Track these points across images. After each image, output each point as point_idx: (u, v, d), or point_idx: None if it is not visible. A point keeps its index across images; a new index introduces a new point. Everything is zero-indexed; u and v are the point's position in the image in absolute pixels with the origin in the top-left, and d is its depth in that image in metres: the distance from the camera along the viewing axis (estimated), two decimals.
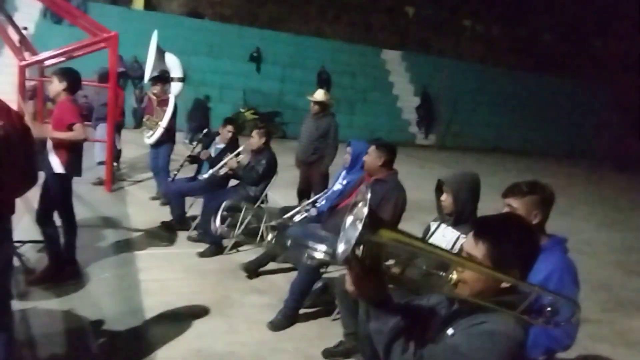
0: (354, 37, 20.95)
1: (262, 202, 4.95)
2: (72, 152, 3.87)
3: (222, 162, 4.91)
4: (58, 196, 3.90)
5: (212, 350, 3.10)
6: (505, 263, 1.40)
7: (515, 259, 1.42)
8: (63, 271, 3.93)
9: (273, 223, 4.98)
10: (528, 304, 1.39)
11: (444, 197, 2.86)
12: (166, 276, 4.20)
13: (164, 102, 6.49)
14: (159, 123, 6.28)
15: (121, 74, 16.31)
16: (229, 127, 5.24)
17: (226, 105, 17.03)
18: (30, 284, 3.74)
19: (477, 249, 1.44)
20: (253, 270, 4.22)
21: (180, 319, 3.44)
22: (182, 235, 5.22)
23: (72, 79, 3.87)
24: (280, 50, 19.08)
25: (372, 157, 3.66)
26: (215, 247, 4.78)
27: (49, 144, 3.85)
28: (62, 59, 7.93)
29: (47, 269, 3.87)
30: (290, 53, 19.13)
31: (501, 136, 20.12)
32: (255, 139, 4.96)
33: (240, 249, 4.99)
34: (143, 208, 6.20)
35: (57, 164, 3.81)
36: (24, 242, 4.41)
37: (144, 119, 6.56)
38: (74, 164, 3.93)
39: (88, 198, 6.65)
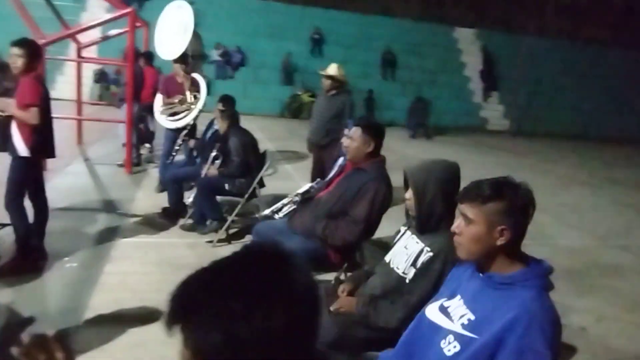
0: (423, 15, 19.73)
1: (253, 192, 4.40)
2: (38, 133, 3.52)
3: (202, 172, 4.50)
4: (24, 179, 3.58)
5: None
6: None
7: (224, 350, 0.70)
8: (31, 261, 3.64)
9: (256, 216, 4.49)
10: None
11: (407, 194, 2.14)
12: (134, 269, 3.78)
13: (193, 82, 6.00)
14: (192, 106, 5.82)
15: None
16: (219, 105, 4.73)
17: (285, 87, 16.70)
18: None
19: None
20: None
21: (120, 322, 2.99)
22: (181, 223, 4.84)
23: (34, 53, 3.50)
24: (343, 30, 18.39)
25: (358, 143, 2.93)
26: (217, 224, 4.47)
27: (13, 125, 3.54)
28: (96, 38, 7.87)
29: (15, 259, 3.59)
30: (353, 33, 18.39)
31: (590, 122, 18.16)
32: (220, 123, 4.43)
33: (233, 242, 4.53)
34: (154, 193, 5.90)
35: (21, 147, 3.49)
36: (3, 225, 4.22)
37: (176, 100, 6.03)
38: (41, 146, 3.59)
39: (104, 179, 6.50)
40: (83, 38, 8.97)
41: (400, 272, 2.08)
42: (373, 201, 2.78)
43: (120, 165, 6.89)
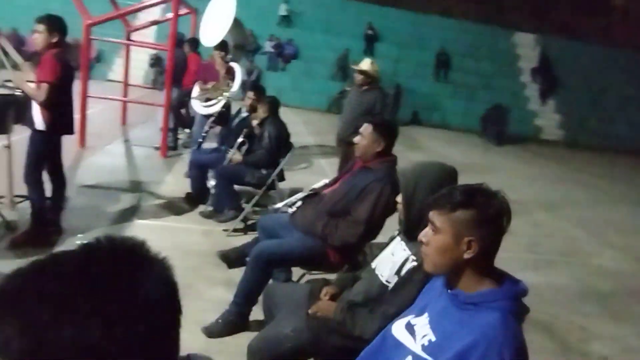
0: (482, 17, 19.05)
1: (272, 183, 4.33)
2: (55, 108, 3.57)
3: (227, 159, 4.50)
4: (41, 153, 3.65)
5: None
6: None
7: None
8: (44, 234, 3.72)
9: (269, 208, 4.41)
10: None
11: (399, 198, 1.99)
12: None
13: (229, 71, 6.05)
14: (225, 93, 5.86)
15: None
16: (250, 94, 4.69)
17: (337, 82, 16.61)
18: (10, 246, 3.55)
19: None
20: (233, 259, 3.63)
21: None
22: (201, 209, 4.85)
23: (60, 29, 3.55)
24: (398, 28, 18.07)
25: (367, 141, 2.80)
26: (234, 213, 4.45)
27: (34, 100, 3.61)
28: (147, 22, 8.04)
29: (29, 230, 3.68)
30: (408, 32, 18.02)
31: None
32: (259, 110, 4.37)
33: (250, 233, 4.48)
34: (184, 177, 5.94)
35: (39, 121, 3.56)
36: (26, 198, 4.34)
37: (209, 86, 6.12)
38: (58, 121, 3.64)
39: (138, 161, 6.64)
40: (139, 22, 9.25)
41: (383, 279, 1.94)
42: (376, 202, 2.63)
43: (156, 148, 7.00)
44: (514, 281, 1.36)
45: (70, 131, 3.79)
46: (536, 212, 6.87)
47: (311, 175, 6.97)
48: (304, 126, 11.83)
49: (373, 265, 2.05)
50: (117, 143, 7.42)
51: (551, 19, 19.57)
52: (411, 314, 1.51)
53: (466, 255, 1.33)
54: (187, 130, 8.25)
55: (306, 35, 17.55)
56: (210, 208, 4.73)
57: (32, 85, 3.49)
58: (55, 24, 3.52)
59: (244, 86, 16.59)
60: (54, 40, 3.51)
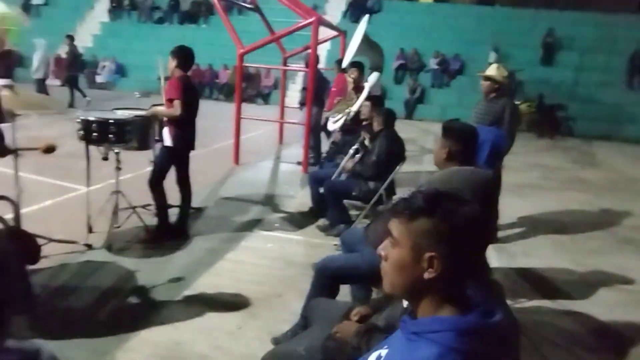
0: None
1: (380, 198, 4.17)
2: (180, 127, 4.01)
3: (338, 169, 4.47)
4: (164, 165, 4.11)
5: (188, 349, 2.72)
6: None
7: None
8: (168, 235, 4.18)
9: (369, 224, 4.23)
10: None
11: None
12: (250, 259, 3.97)
13: (359, 89, 6.14)
14: (350, 108, 5.99)
15: (400, 65, 16.80)
16: (366, 103, 4.64)
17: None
18: (137, 246, 4.05)
19: None
20: None
21: (205, 305, 3.17)
22: (320, 222, 4.92)
23: (181, 57, 4.01)
24: (581, 33, 16.18)
25: (436, 147, 2.58)
26: (344, 227, 4.36)
27: (165, 119, 4.10)
28: (300, 48, 8.57)
29: (154, 230, 4.18)
30: (593, 36, 16.00)
31: None
32: (375, 124, 4.26)
33: None
34: None
35: (167, 137, 4.03)
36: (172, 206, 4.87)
37: (335, 101, 6.33)
38: (184, 138, 4.07)
39: (280, 175, 7.04)
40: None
41: (405, 303, 1.70)
42: None
43: (299, 164, 7.34)
44: (485, 312, 1.06)
45: (191, 147, 4.20)
46: None
47: None
48: None
49: None
50: (269, 160, 7.98)
51: None
52: (383, 346, 1.28)
53: (427, 275, 1.08)
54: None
55: (472, 48, 16.77)
56: (327, 222, 4.76)
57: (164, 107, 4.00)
58: (175, 53, 4.01)
59: (407, 104, 16.31)
60: (180, 67, 3.97)
